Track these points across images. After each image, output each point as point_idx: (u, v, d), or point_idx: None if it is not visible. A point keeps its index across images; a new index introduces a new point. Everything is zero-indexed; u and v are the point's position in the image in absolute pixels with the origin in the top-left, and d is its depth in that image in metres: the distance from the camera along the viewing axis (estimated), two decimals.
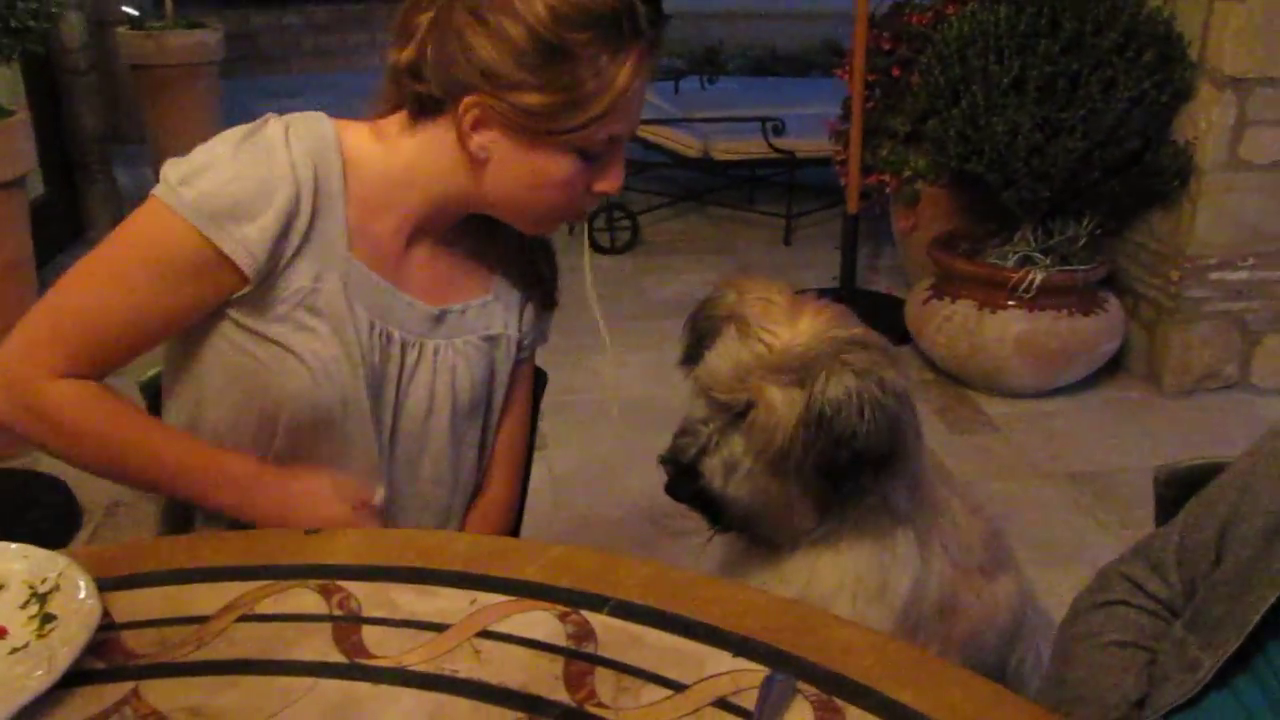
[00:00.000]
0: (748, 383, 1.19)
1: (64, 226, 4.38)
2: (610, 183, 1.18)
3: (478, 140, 1.13)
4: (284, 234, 1.11)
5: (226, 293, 1.13)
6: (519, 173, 1.15)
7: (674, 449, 1.26)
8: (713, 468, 1.23)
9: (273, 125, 1.14)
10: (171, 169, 1.11)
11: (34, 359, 1.13)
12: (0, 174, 2.66)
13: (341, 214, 1.16)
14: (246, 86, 7.32)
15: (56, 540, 2.53)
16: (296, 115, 1.17)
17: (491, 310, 1.29)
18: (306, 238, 1.13)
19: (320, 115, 1.18)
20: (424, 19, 1.13)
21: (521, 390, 1.40)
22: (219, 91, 4.95)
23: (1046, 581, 2.23)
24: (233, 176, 1.09)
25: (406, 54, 1.15)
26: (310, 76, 8.17)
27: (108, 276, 1.13)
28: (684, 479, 1.25)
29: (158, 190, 1.11)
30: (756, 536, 1.29)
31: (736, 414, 1.20)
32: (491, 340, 1.29)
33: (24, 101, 3.92)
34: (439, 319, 1.25)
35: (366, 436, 1.21)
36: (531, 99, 1.09)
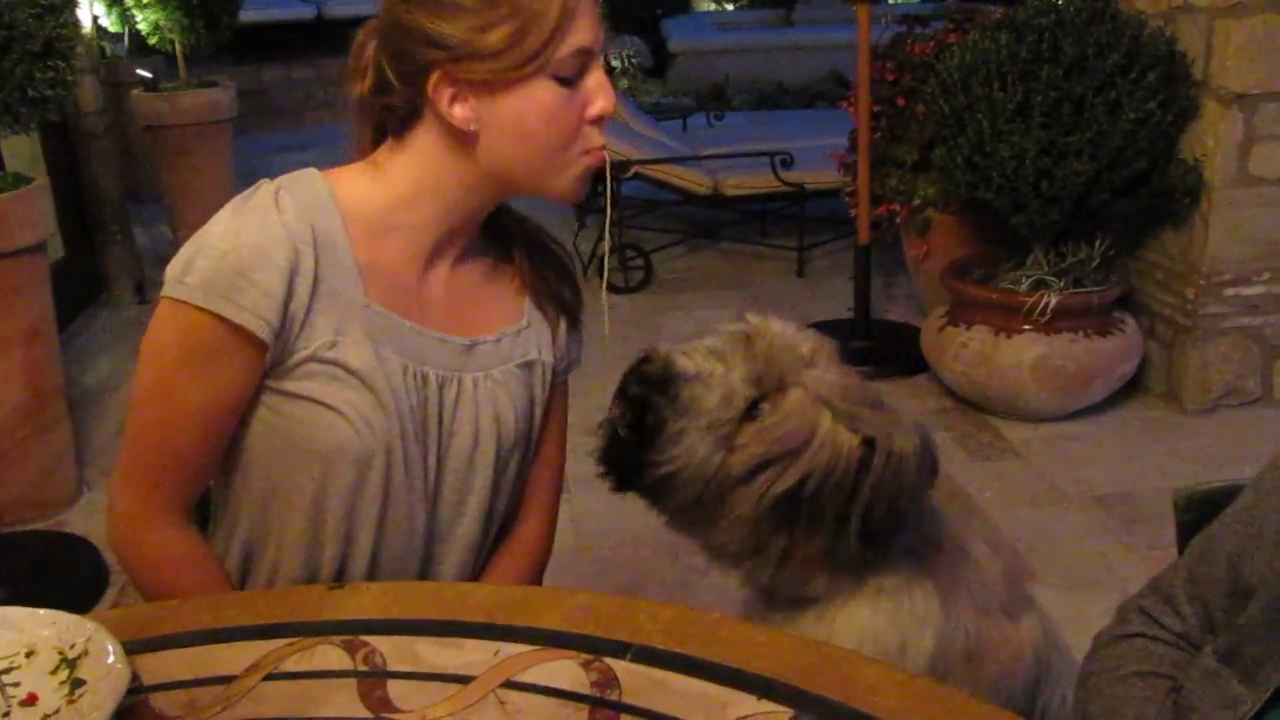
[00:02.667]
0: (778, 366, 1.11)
1: (84, 287, 4.44)
2: (602, 103, 1.16)
3: (460, 114, 1.13)
4: (290, 293, 1.11)
5: (257, 365, 1.14)
6: (508, 125, 1.14)
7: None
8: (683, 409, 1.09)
9: (263, 190, 1.16)
10: (171, 267, 1.13)
11: (135, 498, 1.20)
12: (22, 239, 2.70)
13: (350, 263, 1.16)
14: (260, 141, 7.41)
15: (85, 600, 2.55)
16: (287, 176, 1.18)
17: (525, 337, 1.29)
18: (315, 293, 1.13)
19: (311, 171, 1.20)
20: (370, 45, 1.17)
21: (556, 417, 1.38)
22: (233, 148, 5.02)
23: (1075, 607, 2.21)
24: (228, 249, 1.10)
25: (367, 82, 1.17)
26: (322, 128, 8.27)
27: (155, 394, 1.16)
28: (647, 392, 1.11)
29: (165, 291, 1.13)
30: (667, 506, 1.16)
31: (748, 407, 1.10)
32: (527, 367, 1.29)
33: (43, 167, 3.98)
34: (470, 350, 1.24)
35: (411, 483, 1.21)
36: (486, 42, 1.09)
